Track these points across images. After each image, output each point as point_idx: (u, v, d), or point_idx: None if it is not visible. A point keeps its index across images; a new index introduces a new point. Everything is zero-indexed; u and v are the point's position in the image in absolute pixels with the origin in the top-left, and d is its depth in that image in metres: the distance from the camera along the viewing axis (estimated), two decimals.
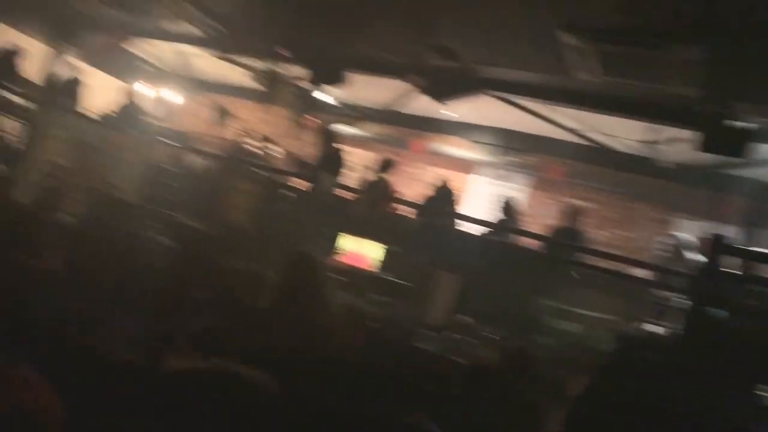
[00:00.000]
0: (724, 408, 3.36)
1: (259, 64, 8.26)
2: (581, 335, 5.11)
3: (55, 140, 6.60)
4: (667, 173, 7.99)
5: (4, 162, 6.88)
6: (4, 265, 2.32)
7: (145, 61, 11.82)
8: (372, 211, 6.31)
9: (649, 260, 7.08)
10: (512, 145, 9.60)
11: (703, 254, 5.44)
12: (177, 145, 8.84)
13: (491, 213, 7.62)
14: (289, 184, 7.91)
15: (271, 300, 2.83)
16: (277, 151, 9.44)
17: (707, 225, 7.27)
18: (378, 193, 6.77)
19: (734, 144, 5.38)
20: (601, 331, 5.08)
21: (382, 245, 5.83)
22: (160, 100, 12.56)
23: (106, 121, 8.06)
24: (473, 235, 6.83)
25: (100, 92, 9.55)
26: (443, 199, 7.54)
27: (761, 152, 6.06)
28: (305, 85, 8.42)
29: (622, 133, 7.68)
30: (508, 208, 7.12)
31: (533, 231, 6.98)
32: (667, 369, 3.44)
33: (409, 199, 7.23)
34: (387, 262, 5.75)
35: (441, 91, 7.13)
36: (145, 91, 11.99)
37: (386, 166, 7.23)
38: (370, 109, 10.24)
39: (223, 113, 6.26)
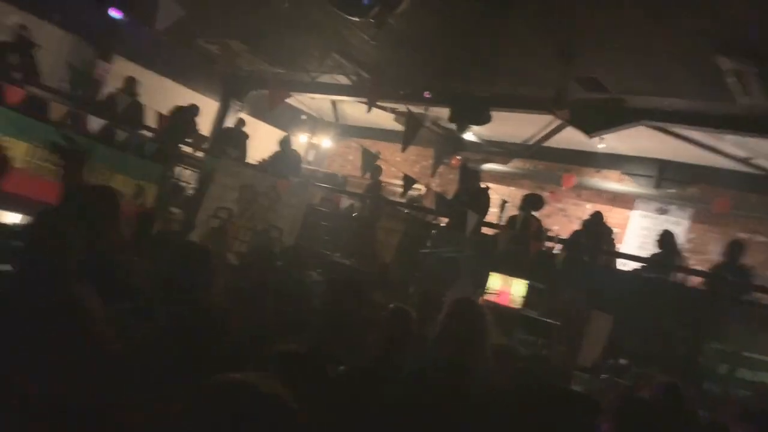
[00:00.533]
0: None
1: (404, 107, 8.56)
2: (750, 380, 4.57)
3: (224, 187, 7.31)
4: None
5: (180, 207, 7.76)
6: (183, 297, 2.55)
7: (302, 112, 12.81)
8: (520, 248, 6.17)
9: None
10: (670, 176, 9.04)
11: None
12: (330, 187, 9.38)
13: (649, 248, 7.15)
14: (435, 222, 8.01)
15: (427, 341, 2.84)
16: (424, 191, 9.64)
17: None
18: (526, 229, 6.63)
19: None
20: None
21: (532, 283, 5.69)
22: (315, 147, 13.46)
23: (269, 167, 8.73)
24: (630, 272, 6.44)
25: (263, 141, 10.44)
26: (597, 235, 7.20)
27: None
28: (451, 125, 8.57)
29: None
30: (667, 242, 6.63)
31: (696, 267, 6.45)
32: None
33: (561, 236, 6.99)
34: (535, 300, 5.59)
35: (590, 124, 6.91)
36: (301, 138, 12.96)
37: (535, 202, 7.08)
38: (518, 145, 10.16)
39: (372, 157, 6.55)
